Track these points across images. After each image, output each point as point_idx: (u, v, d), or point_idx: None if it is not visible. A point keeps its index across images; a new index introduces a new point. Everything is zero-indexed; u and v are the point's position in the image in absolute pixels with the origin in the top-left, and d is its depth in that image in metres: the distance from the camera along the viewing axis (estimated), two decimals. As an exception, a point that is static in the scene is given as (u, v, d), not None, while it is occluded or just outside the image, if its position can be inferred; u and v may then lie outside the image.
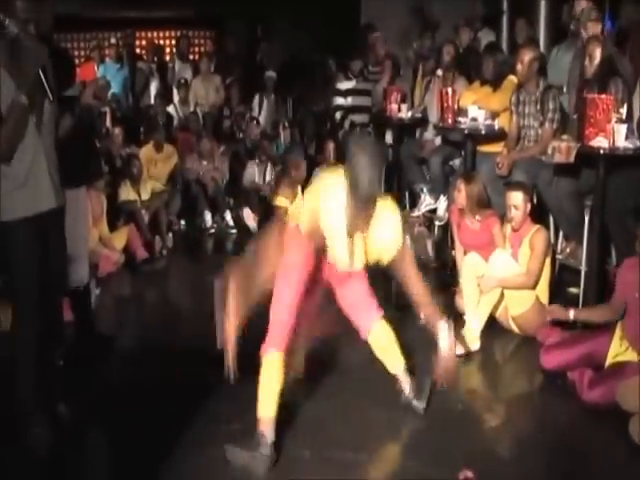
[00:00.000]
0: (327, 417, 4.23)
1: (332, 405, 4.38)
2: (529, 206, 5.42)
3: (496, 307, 5.35)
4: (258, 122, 9.94)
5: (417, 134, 8.43)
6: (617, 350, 4.48)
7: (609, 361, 4.48)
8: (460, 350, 5.08)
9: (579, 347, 4.63)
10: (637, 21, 6.36)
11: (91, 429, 4.17)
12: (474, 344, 5.16)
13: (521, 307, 5.29)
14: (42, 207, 3.75)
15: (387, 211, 3.82)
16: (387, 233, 3.80)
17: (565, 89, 6.76)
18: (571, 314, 4.82)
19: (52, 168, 3.79)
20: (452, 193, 6.60)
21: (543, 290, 5.36)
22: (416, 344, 4.58)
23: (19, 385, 3.86)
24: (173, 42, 13.44)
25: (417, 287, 3.95)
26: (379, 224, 3.78)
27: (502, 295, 5.29)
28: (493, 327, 5.38)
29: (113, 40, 11.59)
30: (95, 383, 4.72)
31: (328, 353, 4.83)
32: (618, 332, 4.50)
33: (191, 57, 11.90)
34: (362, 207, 3.63)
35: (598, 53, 5.77)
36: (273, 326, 3.81)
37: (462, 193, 5.76)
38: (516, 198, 5.40)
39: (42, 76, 3.58)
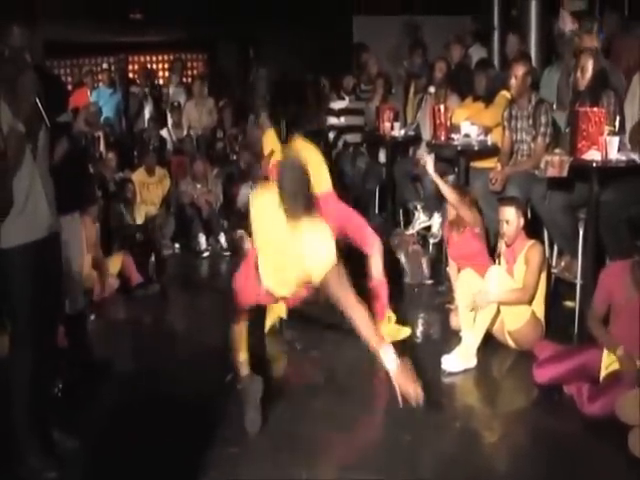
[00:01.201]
0: (325, 436, 4.19)
1: (329, 423, 4.35)
2: (522, 221, 5.40)
3: (492, 322, 5.30)
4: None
5: (410, 152, 8.43)
6: (609, 359, 4.46)
7: (603, 372, 4.46)
8: (459, 367, 5.07)
9: (571, 360, 4.61)
10: (618, 34, 6.42)
11: (87, 455, 4.11)
12: (471, 361, 5.13)
13: (517, 322, 5.25)
14: (40, 233, 3.73)
15: (318, 229, 3.82)
16: (317, 251, 3.75)
17: (555, 106, 6.78)
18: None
19: (49, 194, 3.79)
20: (446, 210, 6.61)
21: (539, 304, 5.33)
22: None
23: (15, 412, 3.82)
24: (165, 66, 13.48)
25: (351, 310, 3.69)
26: (309, 241, 3.78)
27: (498, 310, 5.26)
28: (489, 342, 5.34)
29: (105, 65, 11.64)
30: (91, 409, 4.69)
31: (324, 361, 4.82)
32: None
33: (184, 80, 11.91)
34: (290, 219, 3.80)
35: (590, 66, 5.77)
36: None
37: (452, 206, 5.79)
38: (508, 213, 5.39)
39: (39, 103, 3.58)
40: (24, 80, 3.54)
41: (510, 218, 5.38)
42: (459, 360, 5.10)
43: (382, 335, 3.87)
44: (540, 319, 5.30)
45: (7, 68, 3.56)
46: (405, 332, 5.53)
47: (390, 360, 3.54)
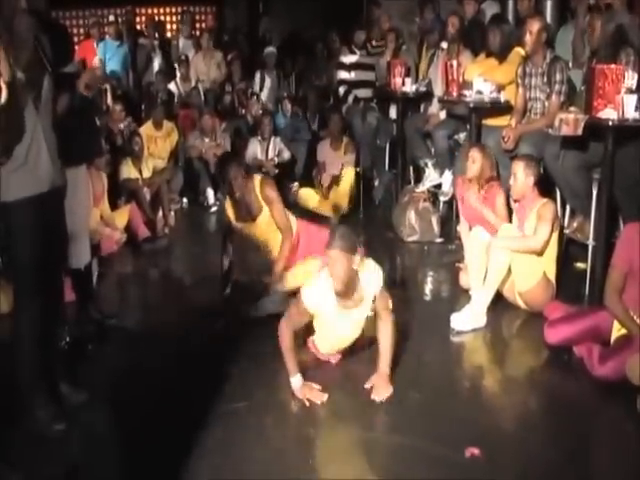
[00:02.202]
0: (331, 393, 4.18)
1: (336, 381, 4.33)
2: (532, 180, 5.33)
3: (503, 283, 5.27)
4: (259, 98, 9.86)
5: (422, 108, 8.33)
6: None
7: (615, 335, 4.40)
8: (468, 326, 5.04)
9: (583, 321, 4.57)
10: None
11: (94, 410, 4.10)
12: (480, 320, 5.09)
13: (528, 283, 5.20)
14: (43, 187, 3.64)
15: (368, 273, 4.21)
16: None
17: (571, 64, 6.67)
18: None
19: (52, 147, 3.69)
20: (458, 167, 6.53)
21: (550, 265, 5.28)
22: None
23: (21, 367, 3.81)
24: (174, 18, 13.31)
25: (384, 337, 4.24)
26: (362, 313, 4.31)
27: (509, 271, 5.21)
28: (499, 303, 5.32)
29: (112, 17, 11.43)
30: (97, 363, 4.68)
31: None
32: None
33: (193, 33, 11.76)
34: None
35: (599, 25, 5.66)
36: None
37: (477, 163, 5.67)
38: (516, 167, 5.37)
39: (40, 51, 3.48)
40: (20, 23, 3.42)
41: (517, 173, 5.34)
42: (468, 319, 5.06)
43: None
44: (551, 280, 5.25)
45: (1, 13, 3.40)
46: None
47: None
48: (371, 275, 4.20)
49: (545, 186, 6.07)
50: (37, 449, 3.69)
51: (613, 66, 5.21)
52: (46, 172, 3.65)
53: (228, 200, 5.61)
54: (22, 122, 3.46)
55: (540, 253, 5.19)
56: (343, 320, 4.30)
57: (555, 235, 5.29)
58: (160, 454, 3.62)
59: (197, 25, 13.01)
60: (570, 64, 6.69)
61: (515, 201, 5.44)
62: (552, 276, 5.29)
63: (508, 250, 5.11)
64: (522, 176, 5.32)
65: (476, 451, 3.57)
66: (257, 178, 5.55)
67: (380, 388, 4.14)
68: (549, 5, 8.29)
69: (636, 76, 5.25)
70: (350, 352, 4.56)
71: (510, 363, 4.89)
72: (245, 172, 5.51)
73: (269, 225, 5.48)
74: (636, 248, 4.30)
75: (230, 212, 5.60)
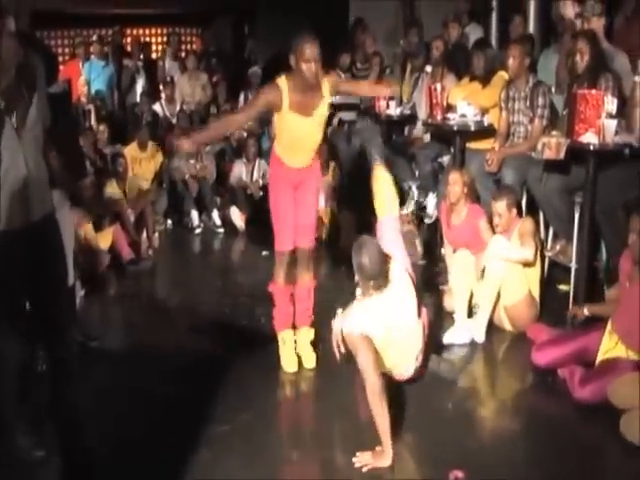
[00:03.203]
0: (317, 415, 4.18)
1: (323, 403, 4.34)
2: (514, 211, 5.46)
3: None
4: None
5: (406, 131, 8.38)
6: (608, 345, 4.43)
7: (600, 357, 4.44)
8: (464, 338, 5.15)
9: (571, 343, 4.62)
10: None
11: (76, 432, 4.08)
12: (480, 335, 5.22)
13: (514, 297, 5.27)
14: (14, 223, 3.31)
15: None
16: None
17: (554, 89, 6.72)
18: (585, 310, 4.88)
19: (39, 177, 3.42)
20: (442, 190, 6.56)
21: (534, 285, 5.34)
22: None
23: (1, 398, 3.76)
24: (159, 39, 13.35)
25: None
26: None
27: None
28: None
29: (98, 37, 11.44)
30: (80, 385, 4.64)
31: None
32: (608, 326, 4.47)
33: (178, 54, 11.79)
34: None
35: (588, 48, 5.72)
36: None
37: (457, 185, 5.72)
38: (499, 207, 5.44)
39: (27, 74, 3.38)
40: (6, 48, 3.23)
41: (501, 211, 5.43)
42: (463, 332, 5.18)
43: None
44: (535, 299, 5.31)
45: None
46: (309, 361, 4.93)
47: None
48: None
49: (529, 209, 6.14)
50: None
51: (594, 91, 5.29)
52: (27, 204, 3.35)
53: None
54: None
55: (529, 265, 5.31)
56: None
57: (538, 256, 5.35)
58: (145, 477, 3.60)
59: (183, 47, 13.05)
60: (553, 89, 6.75)
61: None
62: (536, 295, 5.35)
63: (503, 261, 5.20)
64: (506, 212, 5.43)
65: (460, 474, 3.57)
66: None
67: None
68: (531, 30, 8.39)
69: (616, 101, 5.32)
70: (331, 372, 4.55)
71: (494, 385, 4.91)
72: None
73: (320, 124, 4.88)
74: (624, 272, 4.47)
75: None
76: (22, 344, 3.70)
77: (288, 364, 4.80)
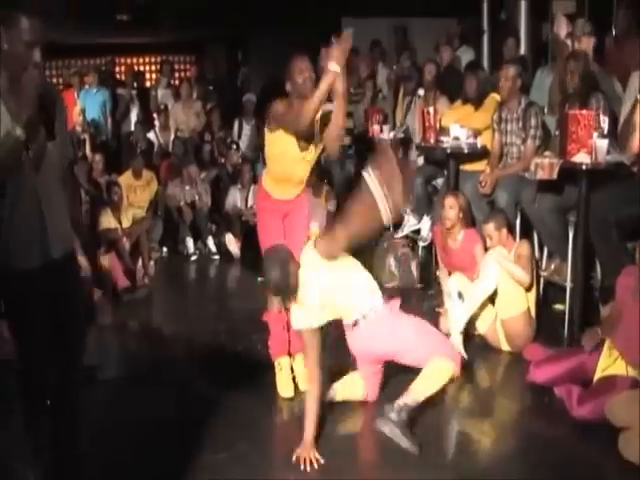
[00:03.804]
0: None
1: (320, 428, 4.32)
2: (504, 231, 5.49)
3: (484, 323, 5.36)
4: (238, 147, 9.89)
5: (400, 154, 8.39)
6: (606, 362, 4.42)
7: (598, 375, 4.43)
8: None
9: (568, 361, 4.62)
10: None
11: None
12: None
13: (512, 311, 5.29)
14: (33, 262, 3.23)
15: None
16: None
17: (546, 110, 6.76)
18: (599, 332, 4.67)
19: (57, 214, 3.29)
20: (436, 213, 6.57)
21: (531, 304, 5.35)
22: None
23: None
24: (153, 68, 13.43)
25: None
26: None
27: (490, 312, 5.26)
28: (481, 345, 5.34)
29: (92, 66, 11.51)
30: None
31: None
32: (607, 343, 4.45)
33: (172, 82, 11.85)
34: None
35: (579, 69, 5.76)
36: None
37: (453, 209, 5.74)
38: (488, 230, 5.49)
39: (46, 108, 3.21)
40: (29, 78, 3.12)
41: (490, 233, 5.48)
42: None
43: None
44: (533, 319, 5.33)
45: (11, 64, 3.13)
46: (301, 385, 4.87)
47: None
48: None
49: (523, 229, 6.15)
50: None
51: (585, 111, 5.31)
52: (43, 241, 3.25)
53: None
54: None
55: (528, 287, 5.32)
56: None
57: (534, 275, 5.37)
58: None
59: (176, 75, 13.12)
60: (546, 110, 6.78)
61: None
62: (533, 314, 5.37)
63: (500, 269, 5.23)
64: (496, 235, 5.47)
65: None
66: None
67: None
68: (523, 51, 8.46)
69: (607, 120, 5.35)
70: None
71: (492, 405, 4.87)
72: None
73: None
74: (625, 288, 4.43)
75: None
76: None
77: (285, 390, 4.79)
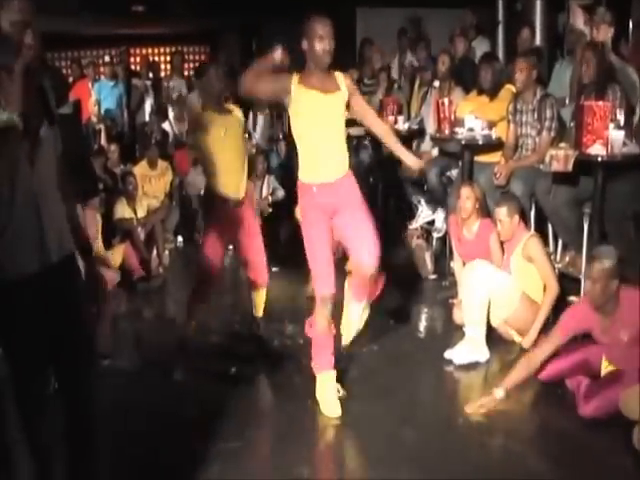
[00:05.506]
0: (330, 432, 4.18)
1: (337, 419, 4.34)
2: (516, 218, 5.45)
3: (498, 318, 5.33)
4: (252, 137, 9.89)
5: (414, 145, 8.39)
6: None
7: (604, 369, 4.44)
8: (469, 358, 5.06)
9: (573, 355, 4.60)
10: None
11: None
12: (481, 353, 5.14)
13: (508, 309, 5.27)
14: (29, 267, 2.95)
15: None
16: None
17: (567, 101, 6.73)
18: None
19: (54, 212, 3.05)
20: (451, 204, 6.57)
21: (538, 290, 5.35)
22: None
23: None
24: (167, 58, 13.43)
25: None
26: None
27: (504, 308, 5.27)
28: (492, 338, 5.33)
29: (107, 57, 11.53)
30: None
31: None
32: None
33: (186, 73, 11.85)
34: None
35: (595, 60, 5.73)
36: None
37: (469, 200, 5.74)
38: (500, 213, 5.46)
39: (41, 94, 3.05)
40: (21, 61, 2.88)
41: (502, 218, 5.45)
42: (468, 351, 5.11)
43: None
44: (534, 300, 5.32)
45: (4, 46, 2.90)
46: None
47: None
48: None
49: (537, 221, 6.13)
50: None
51: (601, 103, 5.29)
52: (40, 243, 2.98)
53: None
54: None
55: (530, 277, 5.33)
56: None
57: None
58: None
59: (191, 65, 13.12)
60: (567, 101, 6.74)
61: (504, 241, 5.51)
62: (536, 297, 5.35)
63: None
64: (507, 220, 5.44)
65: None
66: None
67: None
68: (538, 42, 8.42)
69: (623, 112, 5.32)
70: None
71: (503, 398, 4.88)
72: None
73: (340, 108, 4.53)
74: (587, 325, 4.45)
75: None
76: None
77: (331, 408, 4.35)
